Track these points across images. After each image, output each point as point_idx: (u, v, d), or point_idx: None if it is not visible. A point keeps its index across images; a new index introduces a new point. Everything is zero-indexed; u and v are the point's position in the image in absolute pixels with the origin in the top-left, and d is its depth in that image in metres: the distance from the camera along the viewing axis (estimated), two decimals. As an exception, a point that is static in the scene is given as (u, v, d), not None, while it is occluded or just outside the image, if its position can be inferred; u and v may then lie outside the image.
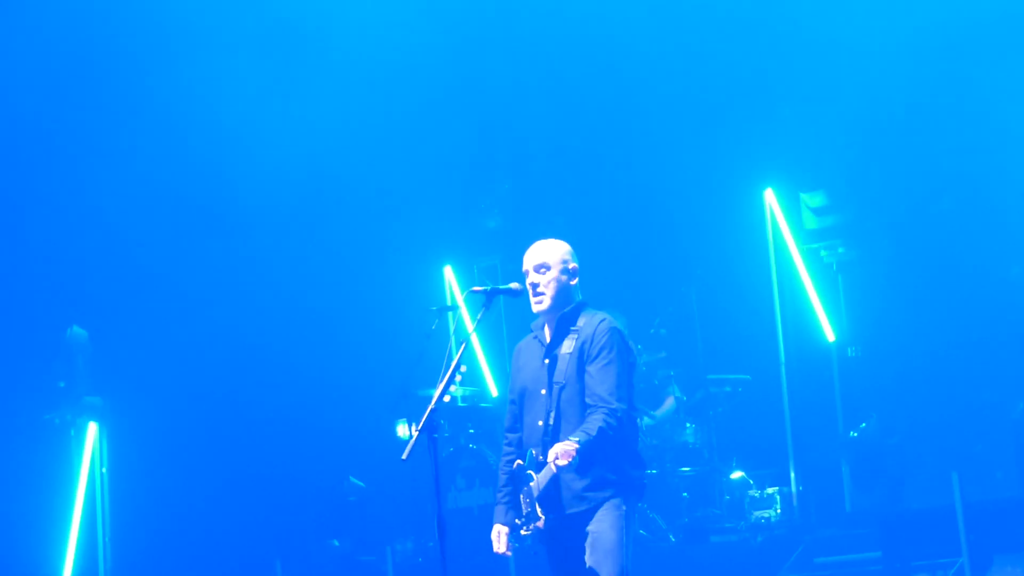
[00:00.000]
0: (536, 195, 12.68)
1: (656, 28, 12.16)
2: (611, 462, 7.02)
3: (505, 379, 8.77)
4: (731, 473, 11.23)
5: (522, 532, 7.06)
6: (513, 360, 7.48)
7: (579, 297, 7.31)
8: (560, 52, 12.56)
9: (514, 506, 7.13)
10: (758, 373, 11.63)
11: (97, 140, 12.34)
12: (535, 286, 7.19)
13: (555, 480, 6.99)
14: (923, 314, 11.12)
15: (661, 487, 10.79)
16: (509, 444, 7.37)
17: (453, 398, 11.18)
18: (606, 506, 6.99)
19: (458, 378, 7.43)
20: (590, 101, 12.59)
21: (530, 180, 12.87)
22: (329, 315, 12.70)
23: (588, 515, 7.02)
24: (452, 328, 11.09)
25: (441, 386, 6.84)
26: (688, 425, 11.38)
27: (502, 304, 8.77)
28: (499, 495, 7.31)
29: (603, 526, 6.97)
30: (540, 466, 7.08)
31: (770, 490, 11.00)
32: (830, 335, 11.44)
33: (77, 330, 11.99)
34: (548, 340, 7.28)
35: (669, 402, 11.38)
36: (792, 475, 11.20)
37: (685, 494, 11.11)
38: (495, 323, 12.17)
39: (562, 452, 6.84)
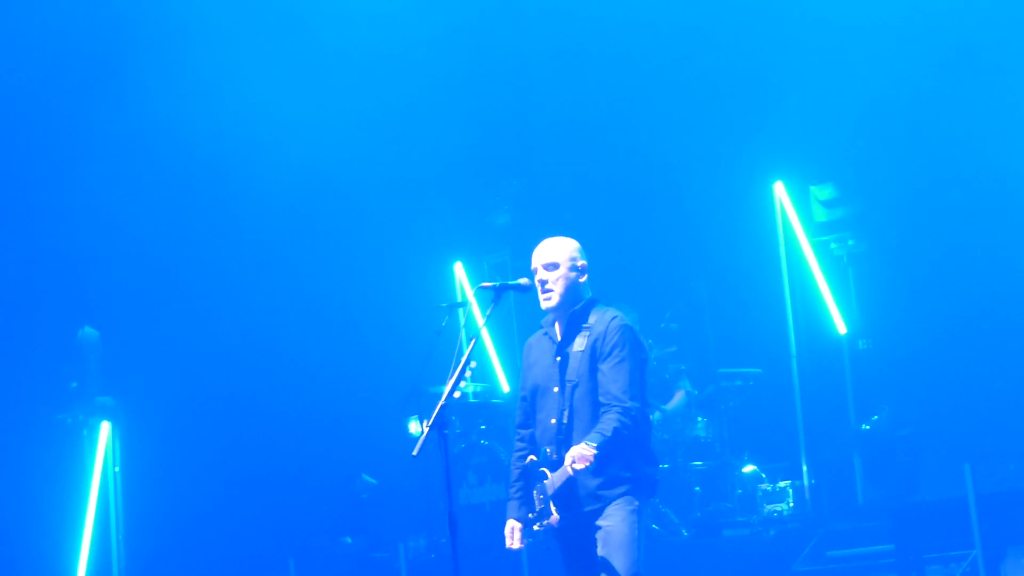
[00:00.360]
0: (545, 191, 12.73)
1: (665, 23, 12.27)
2: (625, 460, 7.02)
3: (516, 375, 8.78)
4: (743, 467, 11.24)
5: (535, 528, 7.05)
6: (524, 356, 7.46)
7: (589, 294, 7.30)
8: (569, 48, 12.63)
9: (527, 502, 7.15)
10: (769, 367, 11.64)
11: (109, 140, 12.44)
12: (544, 283, 7.19)
13: (570, 480, 7.00)
14: (934, 306, 11.15)
15: (673, 482, 10.80)
16: (521, 440, 7.37)
17: (464, 394, 11.17)
18: (619, 502, 6.99)
19: (468, 374, 7.43)
20: (599, 97, 12.67)
21: (539, 176, 12.92)
22: (340, 312, 12.78)
23: (601, 511, 7.03)
24: (462, 324, 10.84)
25: (451, 382, 6.86)
26: (699, 419, 11.39)
27: (512, 300, 8.91)
28: (512, 491, 7.30)
29: (616, 522, 6.97)
30: (554, 464, 7.08)
31: (782, 484, 11.02)
32: (841, 328, 11.44)
33: (89, 330, 12.07)
34: (559, 337, 7.27)
35: (679, 396, 11.40)
36: (804, 468, 11.24)
37: (697, 488, 11.16)
38: (505, 319, 12.20)
39: (579, 457, 6.85)
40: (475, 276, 12.81)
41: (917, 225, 11.35)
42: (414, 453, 6.73)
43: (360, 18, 12.47)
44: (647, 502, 7.13)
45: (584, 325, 7.22)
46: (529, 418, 7.36)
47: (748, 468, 11.20)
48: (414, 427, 11.25)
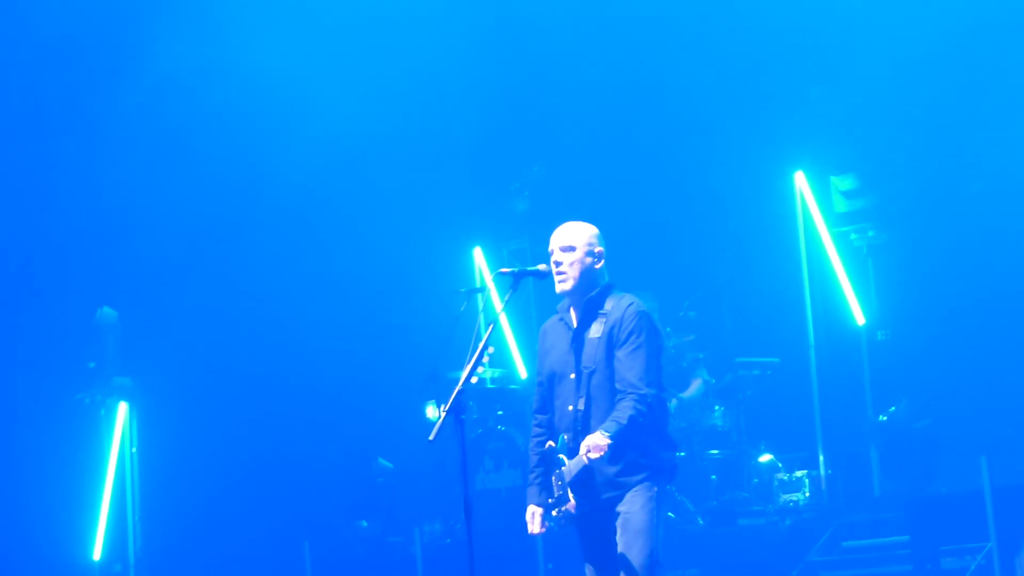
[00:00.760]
0: (566, 178, 12.72)
1: (688, 13, 12.28)
2: (643, 446, 7.03)
3: (534, 361, 8.77)
4: (759, 456, 11.28)
5: (553, 513, 7.06)
6: (540, 341, 7.46)
7: (605, 280, 7.29)
8: (592, 38, 12.69)
9: (546, 487, 7.14)
10: (787, 356, 11.69)
11: (130, 122, 12.51)
12: (559, 264, 7.20)
13: (587, 468, 6.98)
14: (953, 298, 11.11)
15: (690, 470, 10.84)
16: (539, 425, 7.37)
17: (481, 380, 11.28)
18: (638, 488, 7.00)
19: (486, 360, 7.43)
20: (622, 85, 12.69)
21: (560, 164, 12.91)
22: (359, 296, 12.91)
23: (619, 497, 7.03)
24: (481, 309, 11.09)
25: (469, 367, 6.87)
26: (717, 408, 11.43)
27: (531, 286, 8.89)
28: (531, 476, 7.32)
29: (634, 508, 6.98)
30: (572, 451, 7.09)
31: (799, 473, 11.08)
32: (860, 318, 11.49)
33: (107, 311, 12.21)
34: (575, 323, 7.27)
35: (696, 384, 11.46)
36: (821, 459, 11.28)
37: (713, 477, 11.23)
38: (523, 305, 12.32)
39: (594, 446, 6.87)
40: (494, 262, 12.90)
41: (937, 217, 11.35)
42: (431, 438, 6.75)
43: (387, 8, 12.51)
44: (665, 488, 7.14)
45: (600, 311, 7.20)
46: (546, 404, 7.36)
47: (765, 457, 11.24)
48: (431, 412, 11.32)
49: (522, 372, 12.55)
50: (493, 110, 12.85)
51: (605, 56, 12.74)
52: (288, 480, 12.41)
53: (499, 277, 7.37)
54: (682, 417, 11.12)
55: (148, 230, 12.45)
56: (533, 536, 7.42)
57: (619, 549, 6.93)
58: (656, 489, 6.98)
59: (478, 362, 6.97)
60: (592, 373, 7.12)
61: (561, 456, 7.01)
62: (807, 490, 10.98)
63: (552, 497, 7.06)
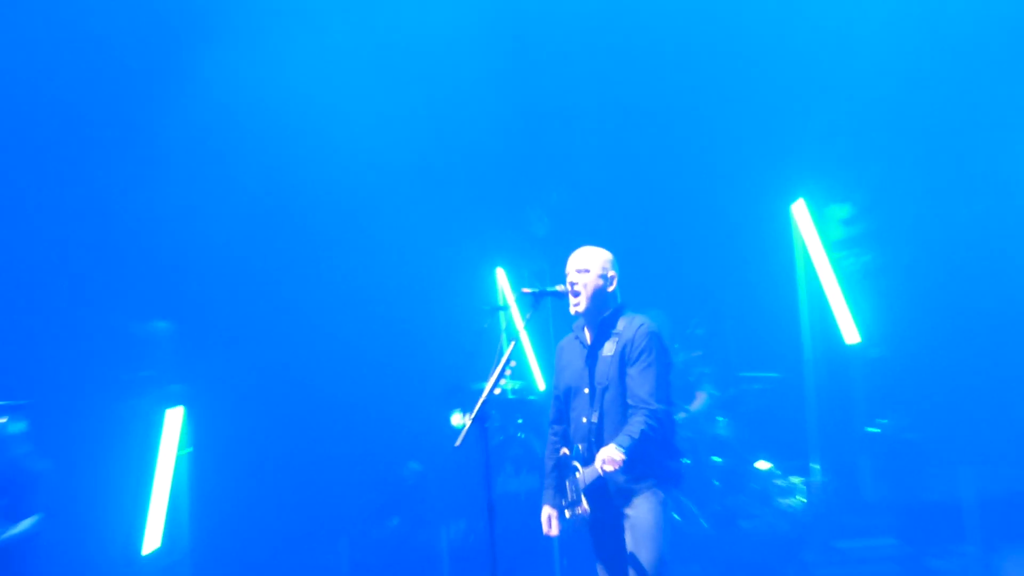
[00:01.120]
0: (582, 205, 12.59)
1: (697, 51, 12.12)
2: (651, 456, 7.10)
3: (551, 374, 8.45)
4: (759, 463, 11.21)
5: (566, 515, 7.15)
6: (557, 358, 7.55)
7: (618, 301, 7.34)
8: (606, 78, 12.48)
9: (561, 491, 7.22)
10: (786, 371, 11.57)
11: (180, 145, 12.17)
12: (574, 285, 7.24)
13: (601, 477, 7.04)
14: (942, 318, 10.95)
15: (694, 476, 10.65)
16: (555, 435, 7.47)
17: (503, 391, 10.86)
18: (646, 494, 7.11)
19: (508, 373, 7.48)
20: (636, 119, 12.50)
21: (577, 191, 12.75)
22: (391, 313, 12.54)
23: (629, 502, 7.13)
24: (503, 327, 11.03)
25: (492, 380, 6.97)
26: (720, 419, 11.34)
27: (549, 305, 8.88)
28: (547, 481, 7.39)
29: (642, 511, 7.10)
30: (585, 460, 7.15)
31: (795, 480, 11.02)
32: (855, 337, 11.32)
33: (162, 324, 11.96)
34: (589, 341, 7.34)
35: (702, 397, 11.37)
36: (815, 467, 11.12)
37: (716, 482, 11.10)
38: (543, 322, 11.64)
39: (609, 459, 6.91)
40: (515, 281, 12.67)
41: (926, 244, 11.21)
42: (457, 444, 6.86)
43: (414, 37, 12.27)
44: (671, 494, 7.23)
45: (613, 331, 7.26)
46: (562, 415, 7.44)
47: (764, 465, 11.17)
48: (456, 419, 11.08)
49: (540, 384, 12.26)
50: (516, 141, 12.64)
51: (619, 94, 12.48)
52: (327, 481, 11.96)
53: (521, 297, 7.40)
54: (689, 427, 10.98)
55: (199, 251, 12.04)
56: (550, 536, 7.47)
57: (628, 549, 7.08)
58: (663, 494, 7.12)
59: (501, 375, 7.04)
60: (605, 389, 7.22)
61: (575, 463, 7.10)
62: (803, 495, 10.94)
63: (566, 500, 7.14)
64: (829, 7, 11.67)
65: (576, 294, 7.30)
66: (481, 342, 10.29)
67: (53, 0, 11.68)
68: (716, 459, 11.23)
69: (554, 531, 7.41)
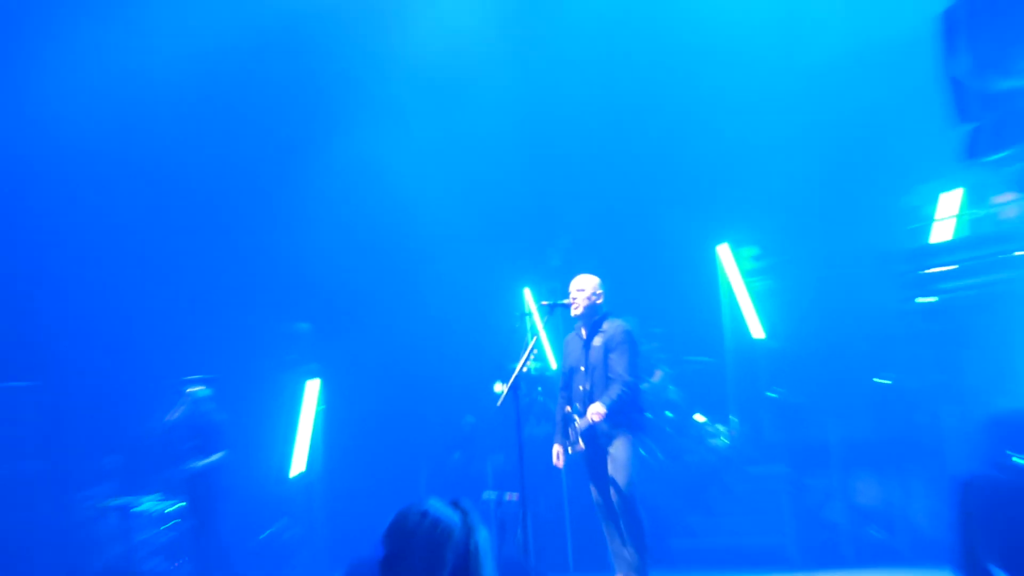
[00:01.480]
0: (584, 244, 12.21)
1: (658, 124, 11.75)
2: (625, 412, 7.50)
3: (560, 358, 8.67)
4: (696, 416, 11.20)
5: (569, 450, 7.62)
6: (564, 347, 7.99)
7: (604, 310, 7.75)
8: (590, 140, 12.14)
9: (565, 435, 7.67)
10: (714, 356, 11.51)
11: (324, 200, 12.01)
12: (574, 299, 7.68)
13: (591, 425, 7.47)
14: (817, 322, 10.56)
15: (654, 426, 10.53)
16: (562, 398, 7.86)
17: (529, 369, 10.87)
18: (622, 437, 7.51)
19: (532, 357, 7.79)
20: (614, 188, 12.31)
21: (581, 234, 12.49)
22: (455, 317, 12.47)
23: (610, 442, 7.53)
24: (529, 326, 10.70)
25: (521, 361, 7.26)
26: (671, 387, 11.39)
27: (559, 313, 8.95)
28: (556, 428, 7.80)
29: (619, 449, 7.49)
30: (581, 414, 7.58)
31: (720, 427, 11.04)
32: (760, 334, 11.33)
33: (302, 324, 12.15)
34: (585, 336, 7.77)
35: (659, 374, 11.37)
36: (734, 419, 11.12)
37: (668, 430, 11.13)
38: (555, 324, 11.62)
39: (595, 412, 7.37)
40: (538, 296, 12.40)
41: (808, 272, 10.89)
42: (498, 404, 7.19)
43: (470, 112, 12.00)
44: (639, 437, 7.66)
45: (601, 330, 7.70)
46: (567, 385, 7.83)
47: (700, 418, 11.17)
48: (498, 387, 10.94)
49: (553, 364, 12.08)
50: (539, 204, 12.62)
51: (605, 163, 12.23)
52: (413, 428, 12.00)
53: (541, 307, 7.87)
54: (650, 393, 10.70)
55: (331, 277, 12.08)
56: (558, 467, 7.79)
57: (609, 474, 7.46)
58: (632, 437, 7.54)
59: (527, 358, 7.34)
60: (595, 367, 7.62)
61: (575, 416, 7.60)
62: (725, 438, 10.94)
63: (569, 441, 7.61)
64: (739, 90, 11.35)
65: (576, 304, 7.69)
66: (514, 336, 10.34)
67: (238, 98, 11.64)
68: (668, 414, 11.26)
69: (561, 463, 7.70)
